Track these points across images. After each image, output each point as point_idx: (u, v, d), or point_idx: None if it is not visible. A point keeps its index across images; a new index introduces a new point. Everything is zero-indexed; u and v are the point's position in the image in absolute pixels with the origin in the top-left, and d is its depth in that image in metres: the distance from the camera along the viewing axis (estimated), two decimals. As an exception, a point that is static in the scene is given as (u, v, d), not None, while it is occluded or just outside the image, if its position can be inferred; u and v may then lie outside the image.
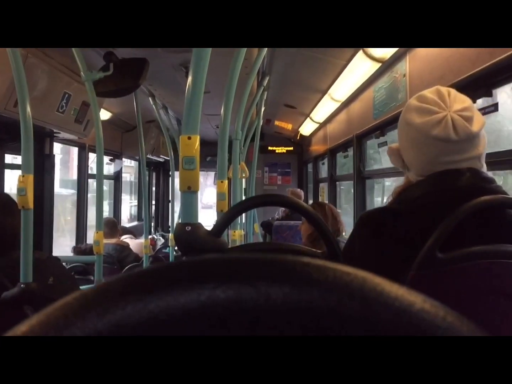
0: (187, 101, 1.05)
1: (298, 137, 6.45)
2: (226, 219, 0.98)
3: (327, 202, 5.20)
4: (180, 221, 1.02)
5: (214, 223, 0.99)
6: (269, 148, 7.18)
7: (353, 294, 0.20)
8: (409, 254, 0.92)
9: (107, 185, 5.47)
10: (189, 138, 1.04)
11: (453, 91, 1.01)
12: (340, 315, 0.19)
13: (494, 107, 1.63)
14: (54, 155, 3.63)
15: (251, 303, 0.19)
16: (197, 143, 1.05)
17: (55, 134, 3.54)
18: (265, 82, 3.40)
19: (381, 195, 4.29)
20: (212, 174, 8.01)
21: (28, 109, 1.77)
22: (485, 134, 1.02)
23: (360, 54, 2.65)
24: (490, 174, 1.03)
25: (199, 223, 0.98)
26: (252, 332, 0.19)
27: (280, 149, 7.24)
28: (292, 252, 0.98)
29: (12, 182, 3.40)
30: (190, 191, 1.03)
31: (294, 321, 0.19)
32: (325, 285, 0.20)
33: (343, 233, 2.55)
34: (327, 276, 0.20)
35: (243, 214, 5.21)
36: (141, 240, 4.25)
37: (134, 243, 4.21)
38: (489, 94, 1.66)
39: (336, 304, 0.19)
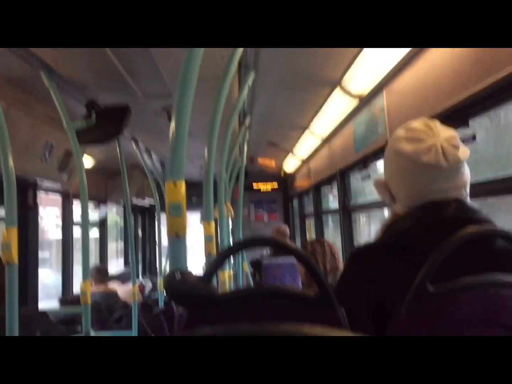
0: (171, 146, 1.03)
1: (282, 174, 6.49)
2: (215, 264, 0.97)
3: (314, 236, 5.19)
4: (168, 269, 1.00)
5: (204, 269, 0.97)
6: (254, 185, 7.18)
7: None
8: (402, 287, 0.92)
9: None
10: (175, 184, 1.02)
11: (438, 122, 1.04)
12: None
13: (472, 138, 1.67)
14: (38, 206, 3.57)
15: None
16: (183, 188, 1.03)
17: (38, 184, 3.50)
18: (247, 121, 3.42)
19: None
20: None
21: (11, 162, 1.75)
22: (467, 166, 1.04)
23: (337, 90, 2.71)
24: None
25: (189, 270, 0.96)
26: None
27: (265, 186, 7.24)
28: (285, 296, 0.96)
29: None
30: (178, 238, 1.01)
31: None
32: None
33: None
34: None
35: (232, 254, 5.13)
36: (129, 286, 4.16)
37: (122, 290, 4.10)
38: (466, 124, 1.70)
39: None
